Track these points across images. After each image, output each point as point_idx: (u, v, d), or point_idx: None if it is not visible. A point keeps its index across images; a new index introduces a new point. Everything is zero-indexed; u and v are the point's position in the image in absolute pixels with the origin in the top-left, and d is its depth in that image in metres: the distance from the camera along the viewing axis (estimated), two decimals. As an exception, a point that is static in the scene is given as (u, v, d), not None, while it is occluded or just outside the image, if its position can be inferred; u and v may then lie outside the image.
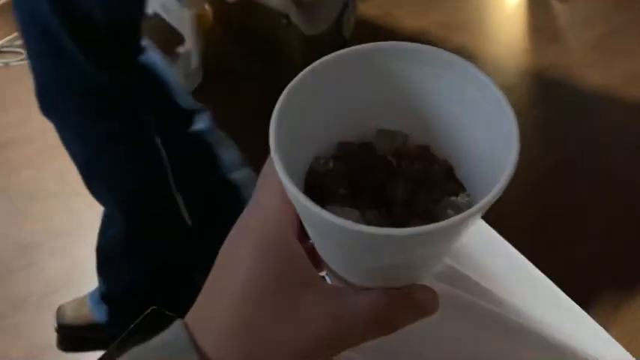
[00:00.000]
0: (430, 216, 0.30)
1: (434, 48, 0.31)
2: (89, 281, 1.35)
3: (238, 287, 0.29)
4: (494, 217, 0.55)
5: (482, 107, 0.30)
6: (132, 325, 0.35)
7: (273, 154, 0.27)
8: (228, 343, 0.28)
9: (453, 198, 0.31)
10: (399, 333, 0.41)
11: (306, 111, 0.31)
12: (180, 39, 2.03)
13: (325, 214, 0.26)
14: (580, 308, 0.52)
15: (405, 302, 0.30)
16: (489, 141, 0.30)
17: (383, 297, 0.29)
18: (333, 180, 0.32)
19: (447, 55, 0.31)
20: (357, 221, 0.27)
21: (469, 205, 0.30)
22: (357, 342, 0.30)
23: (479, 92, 0.30)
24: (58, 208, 1.41)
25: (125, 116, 1.09)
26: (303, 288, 0.29)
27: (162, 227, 1.21)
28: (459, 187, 0.33)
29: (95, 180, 1.16)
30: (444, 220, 0.26)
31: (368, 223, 0.29)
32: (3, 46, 2.50)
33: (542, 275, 0.53)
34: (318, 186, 0.32)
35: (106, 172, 1.14)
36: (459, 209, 0.30)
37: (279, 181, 0.28)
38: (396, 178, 0.32)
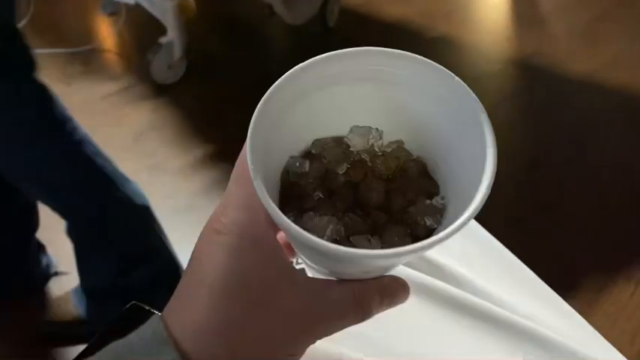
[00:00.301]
0: (407, 222, 0.31)
1: (401, 52, 0.32)
2: (73, 276, 1.34)
3: (215, 281, 0.29)
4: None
5: (461, 116, 0.31)
6: (110, 321, 0.34)
7: (253, 178, 0.28)
8: (206, 337, 0.28)
9: (428, 202, 0.32)
10: (377, 321, 0.42)
11: (283, 116, 0.31)
12: (162, 30, 2.01)
13: (303, 236, 0.26)
14: (553, 291, 0.52)
15: (379, 292, 0.31)
16: (466, 145, 0.31)
17: (358, 288, 0.30)
18: (308, 184, 0.32)
19: (413, 57, 0.31)
20: (335, 229, 0.28)
21: (443, 208, 0.31)
22: (334, 331, 0.30)
23: (460, 104, 0.31)
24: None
25: (33, 122, 1.09)
26: (279, 281, 0.29)
27: (122, 219, 1.21)
28: (432, 185, 0.33)
29: (28, 186, 1.16)
30: (421, 225, 0.29)
31: (347, 228, 0.30)
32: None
33: (519, 261, 0.53)
34: (294, 189, 0.32)
35: (33, 176, 1.13)
36: (434, 213, 0.31)
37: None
38: (370, 179, 0.33)
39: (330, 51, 0.31)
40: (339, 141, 0.34)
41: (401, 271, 0.46)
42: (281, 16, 2.13)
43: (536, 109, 1.97)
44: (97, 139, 1.94)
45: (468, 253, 0.50)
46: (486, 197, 0.27)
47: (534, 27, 2.41)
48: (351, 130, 0.34)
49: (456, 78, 0.31)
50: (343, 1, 2.35)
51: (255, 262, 0.29)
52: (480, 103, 0.30)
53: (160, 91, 2.08)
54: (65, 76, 2.23)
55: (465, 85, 0.30)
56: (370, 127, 0.33)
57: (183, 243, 1.50)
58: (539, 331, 0.43)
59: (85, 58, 2.34)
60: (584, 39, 2.31)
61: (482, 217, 0.56)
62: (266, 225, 0.29)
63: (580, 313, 0.53)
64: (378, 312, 0.31)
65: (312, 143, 0.34)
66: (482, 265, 0.50)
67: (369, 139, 0.33)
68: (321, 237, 0.28)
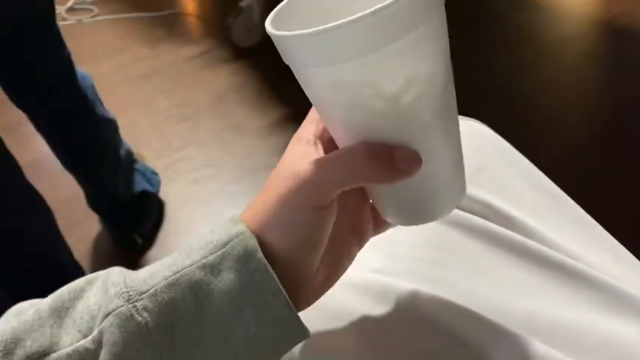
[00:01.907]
0: None
1: None
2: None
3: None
4: (544, 168, 0.57)
5: None
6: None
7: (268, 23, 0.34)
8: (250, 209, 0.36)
9: None
10: (439, 261, 0.44)
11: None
12: (242, -7, 2.06)
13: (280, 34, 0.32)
14: (625, 249, 0.52)
15: (380, 152, 0.32)
16: None
17: (359, 143, 0.33)
18: None
19: None
20: None
21: None
22: (349, 176, 0.33)
23: None
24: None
25: None
26: (302, 157, 0.35)
27: None
28: None
29: None
30: None
31: None
32: (76, 4, 2.60)
33: (589, 217, 0.53)
34: None
35: None
36: None
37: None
38: None
39: None
40: None
41: (466, 218, 0.48)
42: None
43: (621, 72, 1.90)
44: (182, 99, 2.03)
45: (538, 207, 0.51)
46: None
47: (623, -14, 2.30)
48: None
49: None
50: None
51: (290, 153, 0.36)
52: None
53: (239, 54, 2.14)
54: (150, 40, 2.33)
55: None
56: None
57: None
58: (607, 280, 0.43)
59: (168, 22, 2.43)
60: (677, -2, 2.19)
61: (554, 174, 0.57)
62: (312, 132, 0.37)
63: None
64: (380, 174, 0.33)
65: None
66: (553, 219, 0.50)
67: None
68: None
